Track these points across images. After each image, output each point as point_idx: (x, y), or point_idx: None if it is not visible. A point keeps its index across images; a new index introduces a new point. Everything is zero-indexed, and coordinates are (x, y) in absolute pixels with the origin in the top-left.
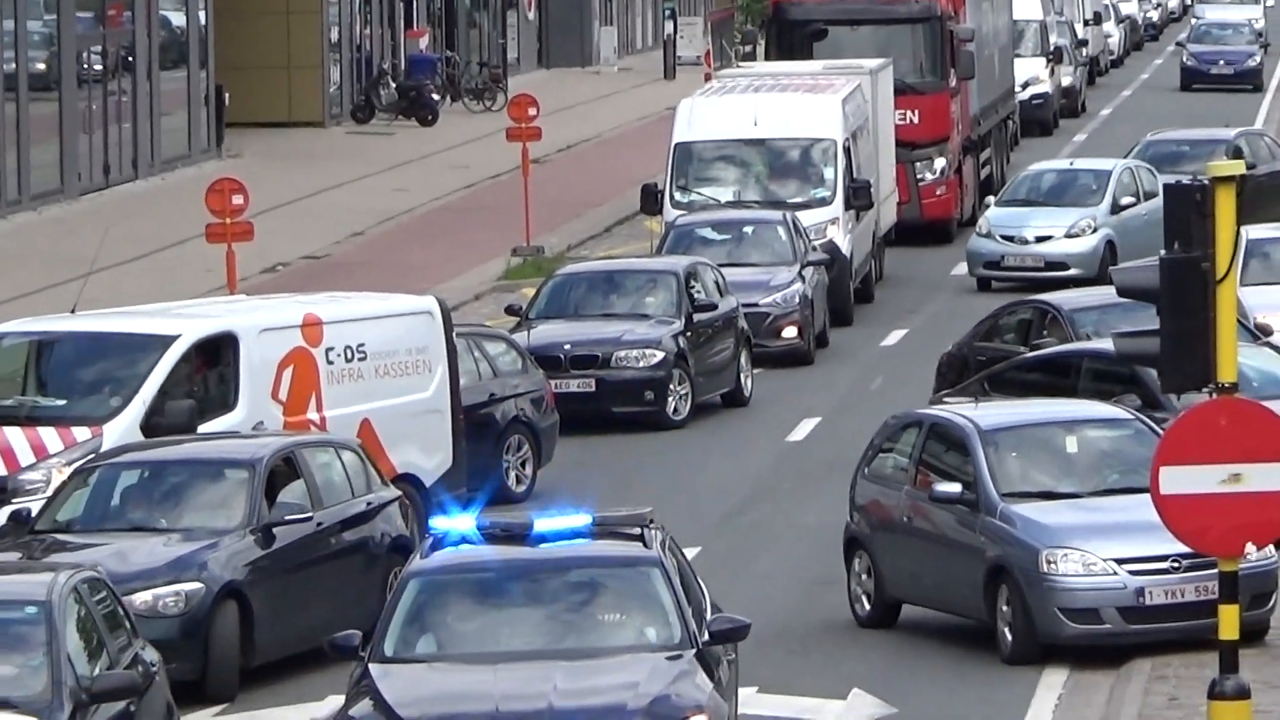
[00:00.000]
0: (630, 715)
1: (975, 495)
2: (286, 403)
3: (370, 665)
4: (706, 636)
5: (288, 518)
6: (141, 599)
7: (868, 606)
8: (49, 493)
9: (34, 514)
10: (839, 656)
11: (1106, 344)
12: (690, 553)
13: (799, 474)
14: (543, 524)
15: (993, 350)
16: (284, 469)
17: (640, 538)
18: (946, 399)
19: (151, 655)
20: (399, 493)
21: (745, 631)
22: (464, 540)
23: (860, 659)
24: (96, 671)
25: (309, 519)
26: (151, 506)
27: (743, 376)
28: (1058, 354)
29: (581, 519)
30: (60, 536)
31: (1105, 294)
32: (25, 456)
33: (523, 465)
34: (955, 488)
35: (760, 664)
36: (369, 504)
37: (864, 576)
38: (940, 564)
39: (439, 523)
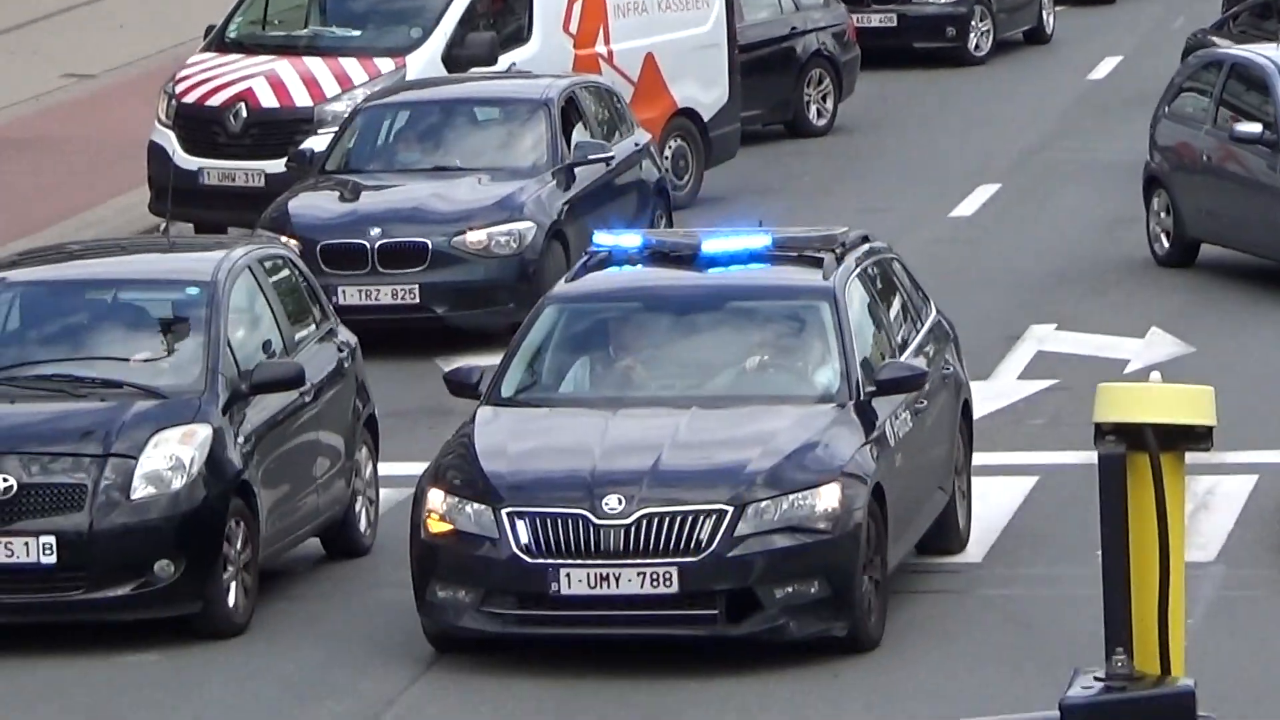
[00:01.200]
0: (747, 479)
1: (1276, 135)
2: (576, 36)
3: (480, 408)
4: (873, 387)
5: (591, 156)
6: (475, 238)
7: (1166, 245)
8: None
9: (315, 152)
10: (1137, 294)
11: None
12: (989, 189)
13: (1099, 111)
14: (713, 244)
15: None
16: (566, 109)
17: (820, 263)
18: (1208, 35)
19: (347, 337)
20: (650, 135)
21: (921, 380)
22: (626, 259)
23: (1158, 297)
24: (266, 359)
25: (611, 157)
26: (445, 146)
27: (1045, 14)
28: None
29: (760, 239)
30: (355, 178)
31: None
32: (330, 87)
33: (824, 99)
34: (1256, 128)
35: (1059, 301)
36: (636, 144)
37: (1163, 215)
38: (1241, 204)
39: (602, 238)
